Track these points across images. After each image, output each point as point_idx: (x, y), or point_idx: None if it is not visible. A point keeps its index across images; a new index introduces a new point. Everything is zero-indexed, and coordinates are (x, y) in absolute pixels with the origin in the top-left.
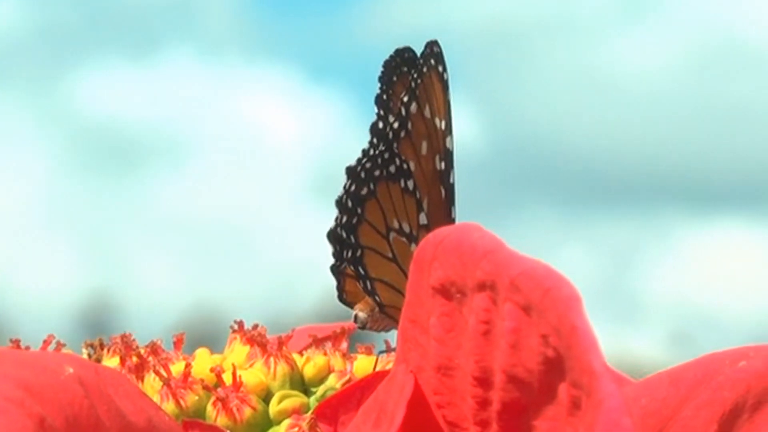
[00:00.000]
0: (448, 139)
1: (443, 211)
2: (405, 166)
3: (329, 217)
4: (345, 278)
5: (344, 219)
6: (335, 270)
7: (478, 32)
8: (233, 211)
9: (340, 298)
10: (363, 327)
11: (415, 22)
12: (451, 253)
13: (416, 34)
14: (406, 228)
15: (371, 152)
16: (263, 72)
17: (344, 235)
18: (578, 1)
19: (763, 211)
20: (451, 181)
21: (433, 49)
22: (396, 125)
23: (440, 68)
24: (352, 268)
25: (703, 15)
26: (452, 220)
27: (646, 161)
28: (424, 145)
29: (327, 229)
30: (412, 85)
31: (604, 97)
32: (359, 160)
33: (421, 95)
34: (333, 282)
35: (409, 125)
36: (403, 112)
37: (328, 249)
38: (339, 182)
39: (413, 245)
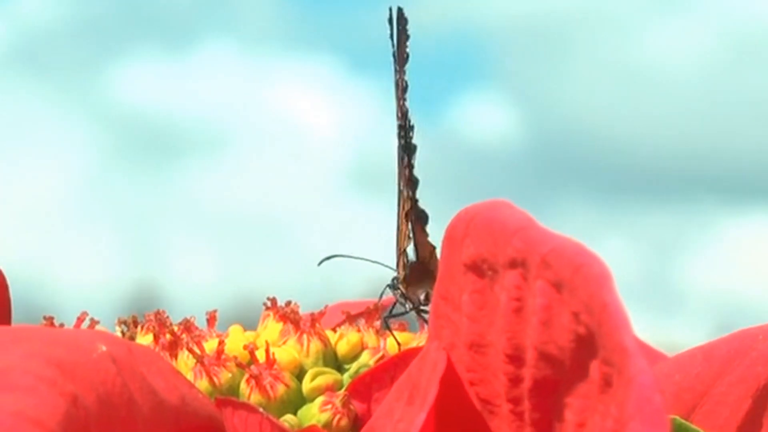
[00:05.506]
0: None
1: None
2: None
3: (369, 207)
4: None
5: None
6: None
7: (517, 26)
8: (274, 201)
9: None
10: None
11: (456, 15)
12: (483, 230)
13: (457, 27)
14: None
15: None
16: (303, 64)
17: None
18: None
19: None
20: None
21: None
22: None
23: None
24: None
25: (741, 6)
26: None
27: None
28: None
29: (367, 218)
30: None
31: (643, 89)
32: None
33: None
34: (372, 273)
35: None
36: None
37: (367, 239)
38: (378, 174)
39: None
